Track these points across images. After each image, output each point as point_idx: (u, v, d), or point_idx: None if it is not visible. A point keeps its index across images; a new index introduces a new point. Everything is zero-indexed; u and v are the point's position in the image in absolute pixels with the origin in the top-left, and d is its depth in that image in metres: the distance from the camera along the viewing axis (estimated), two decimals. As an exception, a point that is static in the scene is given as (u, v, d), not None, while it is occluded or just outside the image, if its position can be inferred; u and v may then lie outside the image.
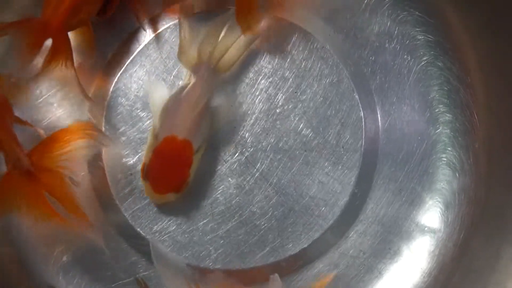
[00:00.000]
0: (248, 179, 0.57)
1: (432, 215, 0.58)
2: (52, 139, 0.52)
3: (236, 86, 0.58)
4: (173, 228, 0.57)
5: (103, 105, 0.58)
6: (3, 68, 0.53)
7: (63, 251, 0.56)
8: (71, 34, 0.54)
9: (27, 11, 0.57)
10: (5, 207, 0.50)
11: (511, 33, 0.55)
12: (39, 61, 0.51)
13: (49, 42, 0.51)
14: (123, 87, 0.58)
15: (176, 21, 0.59)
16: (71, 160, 0.51)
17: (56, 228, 0.51)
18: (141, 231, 0.56)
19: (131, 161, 0.57)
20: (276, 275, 0.54)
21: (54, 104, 0.58)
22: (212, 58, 0.55)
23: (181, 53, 0.56)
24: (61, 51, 0.51)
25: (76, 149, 0.51)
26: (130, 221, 0.57)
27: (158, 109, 0.55)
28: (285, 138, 0.58)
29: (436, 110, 0.58)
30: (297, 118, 0.58)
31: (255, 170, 0.57)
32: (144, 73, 0.58)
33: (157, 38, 0.59)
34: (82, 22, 0.54)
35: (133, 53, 0.59)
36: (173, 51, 0.58)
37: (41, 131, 0.55)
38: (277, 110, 0.58)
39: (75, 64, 0.53)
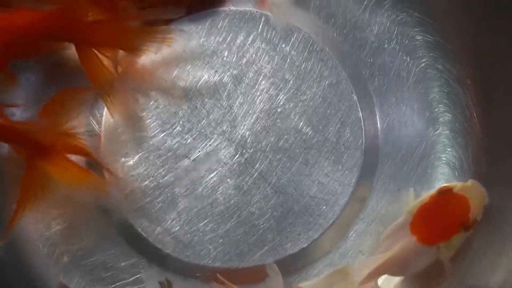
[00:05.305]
0: (246, 179, 0.57)
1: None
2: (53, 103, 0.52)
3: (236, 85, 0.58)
4: (176, 229, 0.56)
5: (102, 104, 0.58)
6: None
7: (64, 252, 0.56)
8: None
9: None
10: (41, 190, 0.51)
11: (511, 34, 0.55)
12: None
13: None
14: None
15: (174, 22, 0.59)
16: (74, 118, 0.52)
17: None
18: (142, 232, 0.56)
19: (131, 162, 0.57)
20: (274, 264, 0.54)
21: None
22: None
23: None
24: None
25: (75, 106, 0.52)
26: (131, 221, 0.56)
27: None
28: (285, 136, 0.58)
29: (436, 111, 0.59)
30: (297, 117, 0.58)
31: (254, 170, 0.57)
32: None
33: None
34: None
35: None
36: (173, 51, 0.58)
37: None
38: (278, 110, 0.58)
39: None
